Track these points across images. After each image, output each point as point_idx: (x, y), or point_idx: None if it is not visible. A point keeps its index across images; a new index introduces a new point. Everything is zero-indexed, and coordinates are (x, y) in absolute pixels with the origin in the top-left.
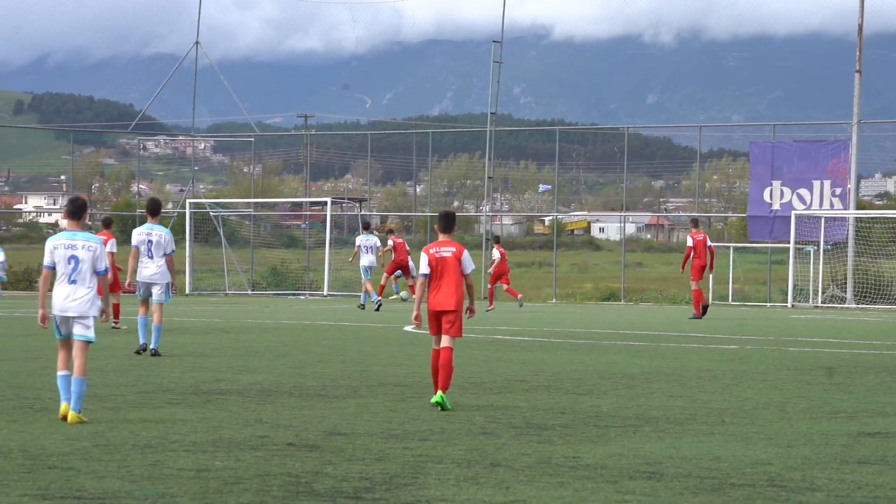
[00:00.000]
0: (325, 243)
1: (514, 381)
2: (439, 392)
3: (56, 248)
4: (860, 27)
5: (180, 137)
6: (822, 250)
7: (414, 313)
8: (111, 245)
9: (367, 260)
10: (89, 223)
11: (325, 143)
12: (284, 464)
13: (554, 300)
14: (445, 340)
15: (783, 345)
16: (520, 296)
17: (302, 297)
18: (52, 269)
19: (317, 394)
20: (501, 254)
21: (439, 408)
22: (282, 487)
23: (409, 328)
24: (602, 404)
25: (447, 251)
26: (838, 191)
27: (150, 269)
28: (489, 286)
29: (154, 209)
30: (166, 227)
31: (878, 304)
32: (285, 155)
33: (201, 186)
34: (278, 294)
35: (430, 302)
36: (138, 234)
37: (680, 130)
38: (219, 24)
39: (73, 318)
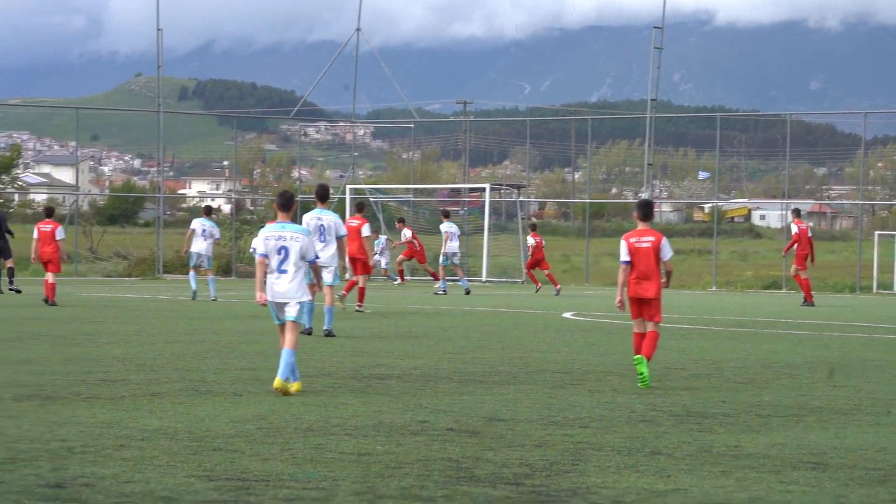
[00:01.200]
0: (483, 229)
1: (673, 368)
2: (640, 361)
3: (268, 240)
4: None
5: (341, 124)
6: None
7: (617, 298)
8: (366, 229)
9: (452, 247)
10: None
11: (483, 130)
12: (445, 449)
13: (714, 288)
14: (650, 326)
15: None
16: (559, 286)
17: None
18: (265, 257)
19: (476, 379)
20: (538, 242)
21: (640, 374)
22: (442, 472)
23: (567, 315)
24: (764, 393)
25: (646, 241)
26: None
27: (322, 254)
28: (526, 271)
29: (323, 195)
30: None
31: None
32: (444, 141)
33: (361, 172)
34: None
35: (630, 289)
36: (308, 220)
37: (844, 117)
38: (382, 11)
39: (283, 303)
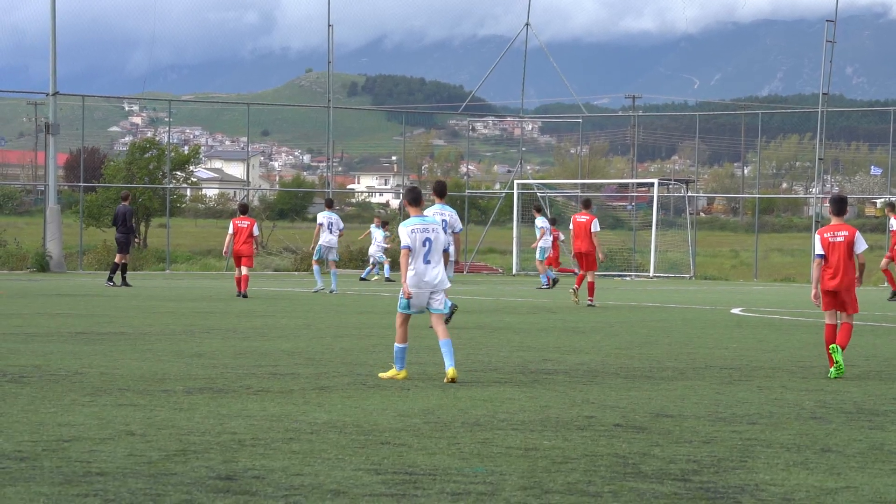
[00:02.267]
0: (651, 224)
1: (845, 365)
2: (836, 345)
3: (413, 232)
4: None
5: (509, 119)
6: None
7: (812, 292)
8: (595, 225)
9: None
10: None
11: (652, 125)
12: (611, 444)
13: (885, 284)
14: (845, 318)
15: None
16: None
17: (628, 278)
18: (410, 249)
19: (643, 375)
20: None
21: (835, 363)
22: (609, 468)
23: (736, 310)
24: None
25: (841, 235)
26: None
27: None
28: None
29: (441, 191)
30: (453, 207)
31: None
32: (612, 136)
33: (528, 167)
34: (604, 275)
35: (823, 282)
36: (432, 216)
37: None
38: (553, 6)
39: (431, 293)
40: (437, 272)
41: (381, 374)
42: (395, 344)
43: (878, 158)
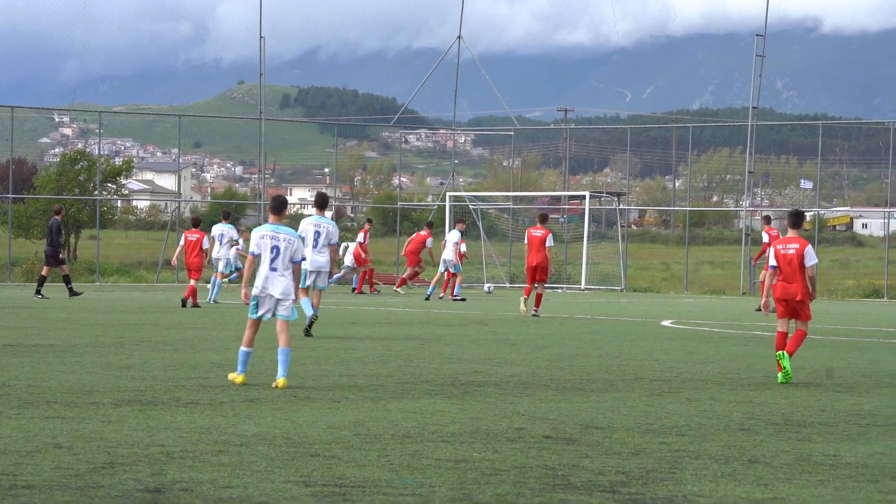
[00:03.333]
0: (582, 237)
1: (772, 377)
2: (782, 356)
3: (262, 238)
4: None
5: (441, 131)
6: None
7: (763, 300)
8: (550, 240)
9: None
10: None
11: (584, 137)
12: (541, 456)
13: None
14: (799, 325)
15: None
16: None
17: (559, 291)
18: (254, 255)
19: (573, 387)
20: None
21: (783, 368)
22: (538, 479)
23: (666, 323)
24: (863, 402)
25: (792, 247)
26: None
27: (319, 258)
28: None
29: (321, 203)
30: (334, 220)
31: None
32: (544, 148)
33: (461, 179)
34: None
35: (777, 291)
36: (306, 225)
37: None
38: (488, 18)
39: (278, 299)
40: (283, 280)
41: (230, 376)
42: (241, 347)
43: (807, 171)
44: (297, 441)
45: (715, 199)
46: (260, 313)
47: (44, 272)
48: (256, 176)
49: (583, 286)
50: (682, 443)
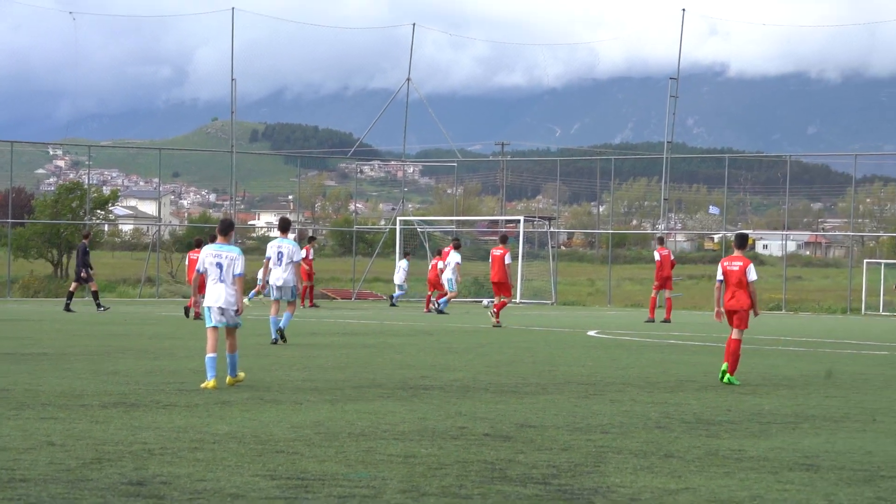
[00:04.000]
0: (518, 256)
1: (685, 381)
2: (724, 368)
3: (206, 257)
4: None
5: (392, 162)
6: None
7: (715, 310)
8: (508, 258)
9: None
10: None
11: (519, 168)
12: (481, 452)
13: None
14: (735, 333)
15: None
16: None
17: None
18: (203, 273)
19: (510, 390)
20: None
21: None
22: (479, 473)
23: (592, 333)
24: (764, 403)
25: (736, 264)
26: None
27: (282, 275)
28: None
29: (285, 227)
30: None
31: None
32: (484, 178)
33: (410, 206)
34: (475, 301)
35: (725, 303)
36: (271, 245)
37: (837, 158)
38: (435, 62)
39: (224, 308)
40: (228, 292)
41: (202, 385)
42: (206, 355)
43: (715, 199)
44: (263, 439)
45: (634, 222)
46: (213, 322)
47: (93, 287)
48: (228, 202)
49: (518, 300)
50: (606, 439)
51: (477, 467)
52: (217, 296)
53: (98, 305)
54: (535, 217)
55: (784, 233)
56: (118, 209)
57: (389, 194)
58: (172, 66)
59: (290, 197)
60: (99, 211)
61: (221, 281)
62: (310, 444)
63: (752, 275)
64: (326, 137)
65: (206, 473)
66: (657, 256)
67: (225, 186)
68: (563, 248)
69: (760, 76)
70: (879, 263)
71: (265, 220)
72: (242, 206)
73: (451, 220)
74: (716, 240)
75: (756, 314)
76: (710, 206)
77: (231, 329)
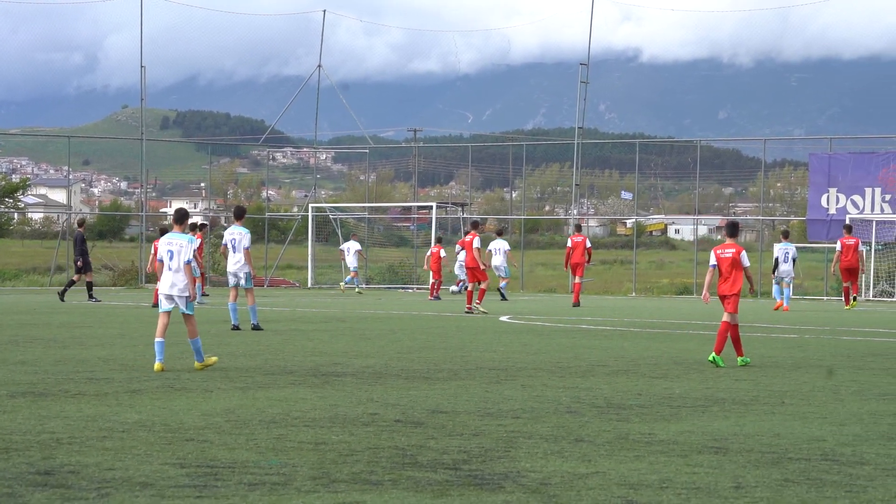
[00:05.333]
0: (430, 242)
1: (596, 365)
2: (713, 354)
3: (161, 245)
4: None
5: (304, 149)
6: (873, 250)
7: (704, 293)
8: (476, 242)
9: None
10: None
11: (431, 154)
12: (392, 438)
13: (633, 294)
14: (726, 316)
15: (838, 334)
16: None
17: (410, 291)
18: (161, 261)
19: (422, 376)
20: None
21: (714, 365)
22: (390, 459)
23: (504, 318)
24: (675, 387)
25: (728, 252)
26: (888, 197)
27: (233, 261)
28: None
29: (238, 214)
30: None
31: None
32: (396, 164)
33: (322, 192)
34: (389, 287)
35: (718, 288)
36: (226, 233)
37: (747, 143)
38: (349, 48)
39: (176, 296)
40: (178, 278)
41: (213, 360)
42: (155, 338)
43: (627, 184)
44: (173, 427)
45: (547, 208)
46: (166, 307)
47: (75, 278)
48: (139, 190)
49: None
50: (517, 424)
51: (388, 453)
52: (168, 283)
53: (91, 296)
54: (447, 203)
55: (695, 217)
56: (28, 198)
57: (302, 181)
58: (84, 53)
59: (202, 184)
60: (8, 199)
61: (170, 269)
62: (220, 431)
63: (746, 261)
64: (238, 124)
65: (115, 462)
66: (570, 243)
67: (136, 174)
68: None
69: (672, 61)
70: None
71: (177, 207)
72: (154, 194)
73: (364, 207)
74: (628, 225)
75: (752, 291)
76: (623, 192)
77: (187, 316)
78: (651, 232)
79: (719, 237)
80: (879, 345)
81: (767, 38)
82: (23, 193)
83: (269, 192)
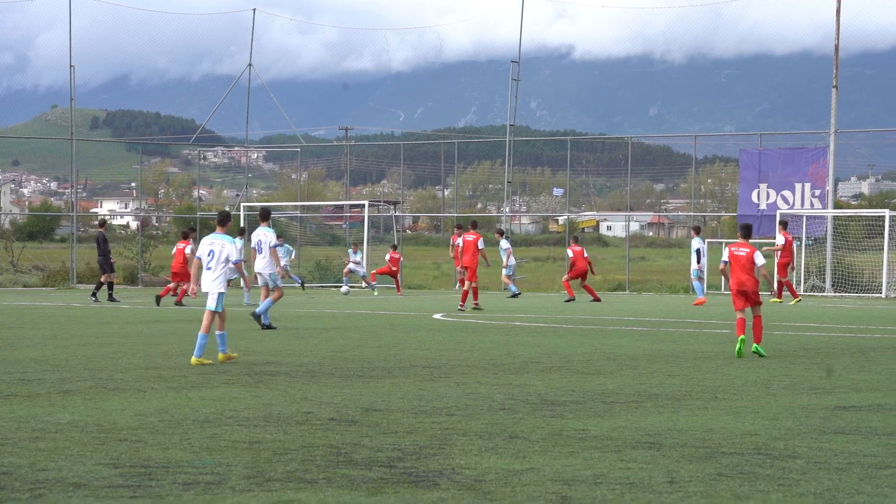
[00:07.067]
0: (363, 241)
1: (530, 362)
2: (755, 345)
3: (203, 245)
4: (836, 47)
5: (236, 148)
6: (803, 245)
7: (721, 266)
8: (481, 243)
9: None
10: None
11: (363, 153)
12: (327, 436)
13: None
14: (756, 310)
15: (769, 329)
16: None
17: (343, 289)
18: (200, 259)
19: (355, 374)
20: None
21: (757, 355)
22: (324, 457)
23: (437, 316)
24: (608, 383)
25: (743, 251)
26: (818, 192)
27: (261, 262)
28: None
29: (265, 215)
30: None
31: (852, 293)
32: (328, 163)
33: (254, 192)
34: (322, 286)
35: (733, 286)
36: (254, 236)
37: (678, 139)
38: (283, 47)
39: (208, 293)
40: (215, 277)
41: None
42: (199, 333)
43: (559, 181)
44: (106, 427)
45: (479, 205)
46: (209, 306)
47: (103, 279)
48: (70, 190)
49: (363, 285)
50: (451, 422)
51: (322, 452)
52: (207, 281)
53: (94, 296)
54: (380, 202)
55: (627, 214)
56: None
57: (234, 180)
58: (14, 53)
59: (133, 184)
60: None
61: (209, 268)
62: (153, 431)
63: (760, 259)
64: (168, 124)
65: (48, 463)
66: (570, 253)
67: (66, 174)
68: (408, 231)
69: (605, 58)
70: (720, 243)
71: (108, 207)
72: (84, 195)
73: (296, 206)
74: (560, 222)
75: (772, 291)
76: (554, 189)
77: (218, 312)
78: (583, 229)
79: (650, 233)
80: (810, 339)
81: (700, 34)
82: None
83: (201, 191)
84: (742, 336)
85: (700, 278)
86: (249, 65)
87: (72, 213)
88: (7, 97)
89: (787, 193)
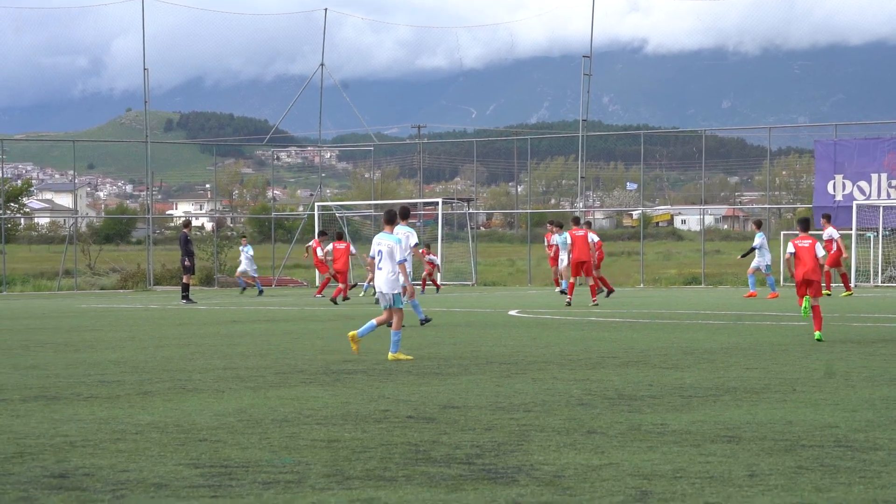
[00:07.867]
0: (437, 239)
1: (607, 357)
2: (816, 332)
3: (374, 245)
4: None
5: (309, 148)
6: (880, 236)
7: (786, 264)
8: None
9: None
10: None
11: (436, 150)
12: (405, 434)
13: (642, 285)
14: (816, 301)
15: (847, 321)
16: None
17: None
18: (373, 258)
19: (432, 372)
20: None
21: (818, 341)
22: (403, 455)
23: (513, 312)
24: (686, 377)
25: (806, 242)
26: (894, 182)
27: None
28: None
29: (405, 214)
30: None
31: None
32: (401, 161)
33: (328, 191)
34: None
35: (798, 275)
36: (374, 242)
37: (752, 132)
38: (356, 46)
39: (383, 293)
40: (388, 276)
41: (402, 357)
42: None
43: (632, 175)
44: (186, 428)
45: (553, 201)
46: (383, 304)
47: (185, 279)
48: (145, 193)
49: (439, 282)
50: (529, 418)
51: (401, 449)
52: (379, 281)
53: (185, 298)
54: (453, 199)
55: (702, 207)
56: (34, 203)
57: (307, 180)
58: (89, 56)
59: (207, 186)
60: (12, 203)
61: (379, 268)
62: (232, 431)
63: (820, 251)
64: (242, 125)
65: (129, 464)
66: (568, 239)
67: (141, 177)
68: (482, 229)
69: (676, 51)
70: (796, 234)
71: (183, 209)
72: (159, 197)
73: (369, 205)
74: (634, 216)
75: (823, 282)
76: (628, 183)
77: (395, 309)
78: (657, 223)
79: (725, 227)
80: (889, 330)
81: (773, 25)
82: (26, 196)
83: (275, 191)
84: (807, 297)
85: (759, 270)
86: (322, 64)
87: (147, 215)
88: (82, 101)
89: (863, 184)
